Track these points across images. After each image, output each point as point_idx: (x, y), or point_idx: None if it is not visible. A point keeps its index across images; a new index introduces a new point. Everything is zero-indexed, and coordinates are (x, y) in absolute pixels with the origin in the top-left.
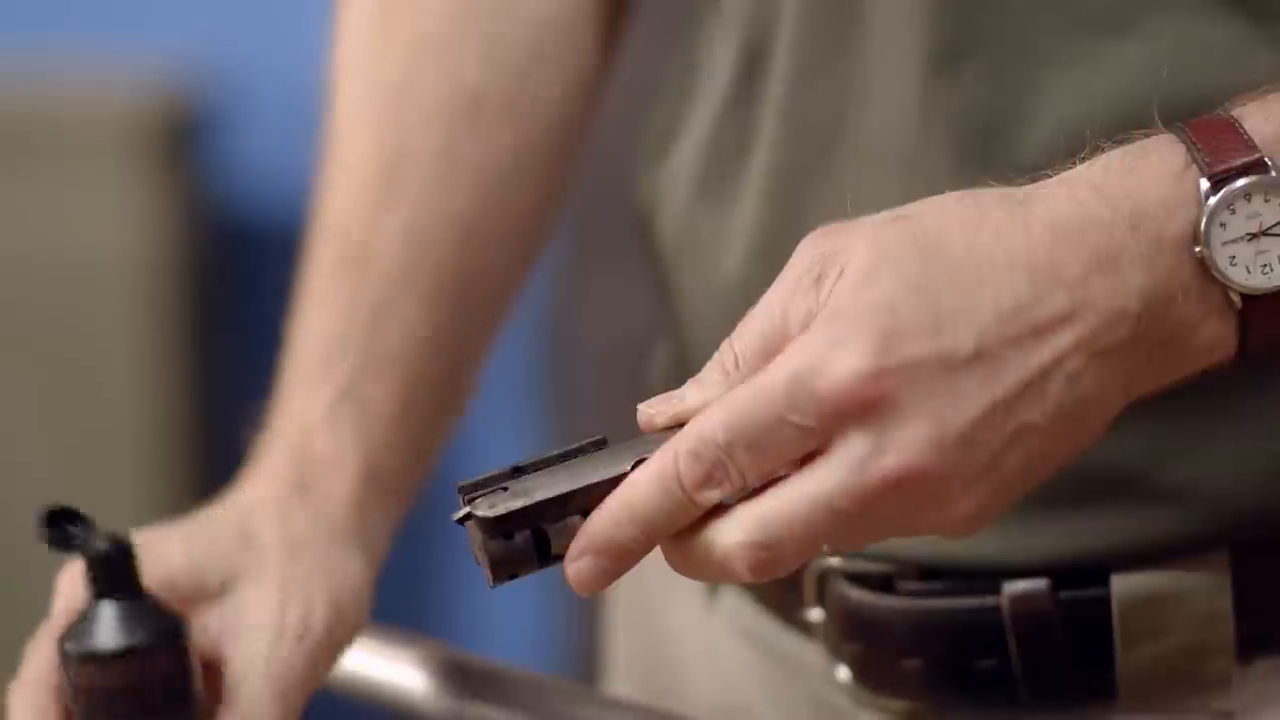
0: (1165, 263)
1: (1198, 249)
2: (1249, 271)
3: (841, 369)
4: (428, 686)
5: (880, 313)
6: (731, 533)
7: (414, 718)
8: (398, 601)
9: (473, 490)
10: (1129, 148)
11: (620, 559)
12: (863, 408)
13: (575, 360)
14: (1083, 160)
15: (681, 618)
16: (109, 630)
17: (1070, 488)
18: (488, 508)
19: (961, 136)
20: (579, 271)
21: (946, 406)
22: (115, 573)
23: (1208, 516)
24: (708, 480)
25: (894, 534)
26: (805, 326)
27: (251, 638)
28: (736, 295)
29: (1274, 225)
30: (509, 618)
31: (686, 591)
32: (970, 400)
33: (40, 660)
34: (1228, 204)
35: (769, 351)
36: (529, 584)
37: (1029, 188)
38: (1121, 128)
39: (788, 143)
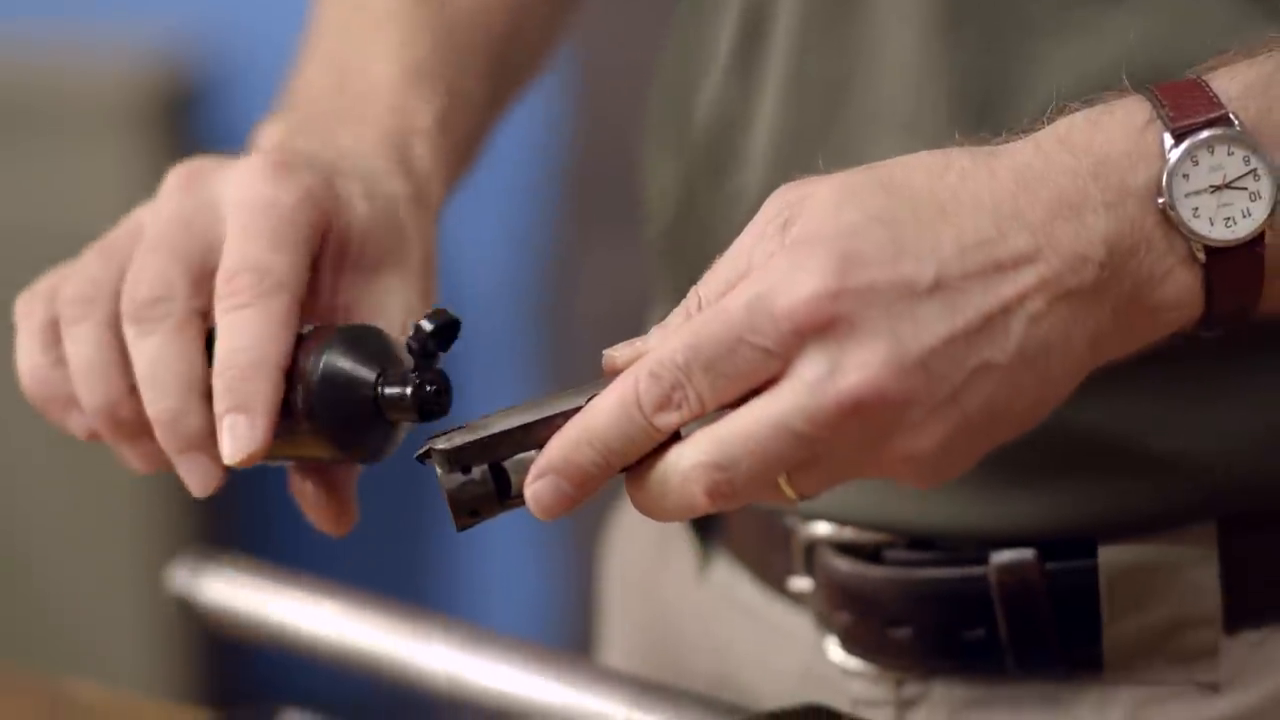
0: (1128, 213)
1: (1160, 200)
2: (1212, 224)
3: (801, 290)
4: (424, 656)
5: (841, 238)
6: (689, 455)
7: (412, 689)
8: (397, 573)
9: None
10: (1096, 106)
11: (579, 482)
12: (821, 327)
13: (573, 332)
14: (1050, 121)
15: (675, 591)
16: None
17: (1058, 457)
18: (445, 443)
19: (960, 102)
20: (577, 244)
21: (906, 330)
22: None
23: (1195, 488)
24: (666, 402)
25: (858, 470)
26: None
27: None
28: None
29: (1237, 178)
30: (506, 588)
31: (680, 564)
32: (929, 327)
33: (270, 339)
34: (1190, 156)
35: None
36: (526, 555)
37: (997, 145)
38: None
39: (790, 109)
